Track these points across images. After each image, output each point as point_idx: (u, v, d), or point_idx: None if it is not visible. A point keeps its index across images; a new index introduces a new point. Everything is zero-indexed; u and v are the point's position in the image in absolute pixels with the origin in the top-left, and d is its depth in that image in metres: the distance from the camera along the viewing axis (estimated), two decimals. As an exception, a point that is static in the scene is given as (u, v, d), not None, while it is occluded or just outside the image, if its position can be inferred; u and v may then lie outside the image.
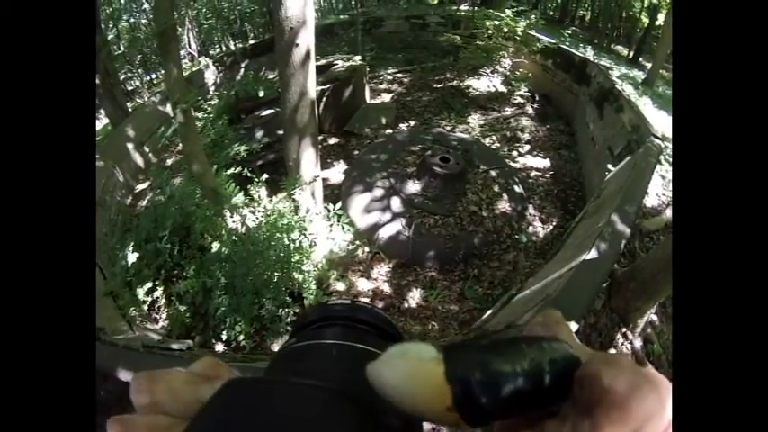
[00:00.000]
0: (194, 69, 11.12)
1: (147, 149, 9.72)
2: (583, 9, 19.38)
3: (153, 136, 9.95)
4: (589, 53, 10.73)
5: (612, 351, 3.68)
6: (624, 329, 3.87)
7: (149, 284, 5.40)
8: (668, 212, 5.28)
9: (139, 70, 18.85)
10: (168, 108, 10.73)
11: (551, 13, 19.06)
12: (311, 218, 5.62)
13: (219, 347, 4.83)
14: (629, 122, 6.49)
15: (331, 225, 5.88)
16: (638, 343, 3.89)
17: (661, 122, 7.31)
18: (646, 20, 14.98)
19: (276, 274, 4.85)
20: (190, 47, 16.15)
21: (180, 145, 9.33)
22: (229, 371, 0.36)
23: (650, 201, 5.57)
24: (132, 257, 5.30)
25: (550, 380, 0.27)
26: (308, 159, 5.58)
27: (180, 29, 17.88)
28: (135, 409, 0.31)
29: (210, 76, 12.07)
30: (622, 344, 3.82)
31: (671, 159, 6.10)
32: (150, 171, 8.71)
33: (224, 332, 4.60)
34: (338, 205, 5.95)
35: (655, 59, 11.10)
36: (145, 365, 2.94)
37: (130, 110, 11.15)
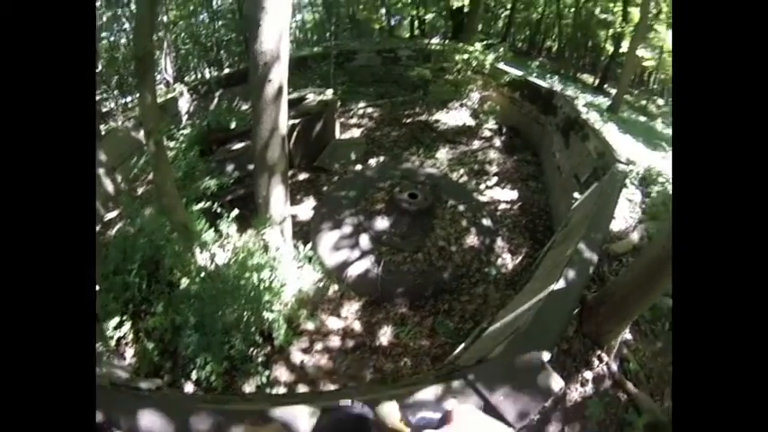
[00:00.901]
0: (169, 96, 11.06)
1: (118, 176, 9.61)
2: (550, 40, 19.98)
3: (125, 162, 9.80)
4: (556, 83, 11.03)
5: (589, 374, 3.74)
6: (599, 352, 3.91)
7: (117, 319, 5.25)
8: (635, 235, 5.39)
9: (115, 92, 18.63)
10: (141, 135, 10.64)
11: (520, 44, 19.59)
12: (281, 257, 5.59)
13: (189, 388, 4.74)
14: (594, 150, 6.67)
15: (301, 264, 5.86)
16: (614, 364, 3.93)
17: (626, 147, 7.53)
18: (610, 48, 15.51)
19: (246, 313, 4.82)
20: (166, 72, 16.06)
21: (151, 174, 9.28)
22: None
23: (617, 225, 5.67)
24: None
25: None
26: (278, 197, 5.59)
27: (158, 52, 17.84)
28: None
29: (184, 104, 12.01)
30: (598, 366, 3.86)
31: (636, 182, 6.27)
32: (121, 200, 8.59)
33: (194, 372, 4.51)
34: (308, 246, 5.95)
35: (619, 86, 11.46)
36: (113, 404, 2.84)
37: (103, 133, 11.00)
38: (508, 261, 6.58)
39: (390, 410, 1.49)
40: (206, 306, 4.70)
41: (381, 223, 6.18)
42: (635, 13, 13.19)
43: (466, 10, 13.52)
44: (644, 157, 7.37)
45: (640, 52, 11.12)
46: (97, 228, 8.23)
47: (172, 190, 5.43)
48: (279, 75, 4.94)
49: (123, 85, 19.33)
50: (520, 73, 10.47)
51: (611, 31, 15.15)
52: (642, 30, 10.72)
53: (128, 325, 5.37)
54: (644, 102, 15.47)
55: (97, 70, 15.07)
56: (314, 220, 6.65)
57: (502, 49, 11.15)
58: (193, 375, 4.53)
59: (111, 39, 17.22)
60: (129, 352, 5.44)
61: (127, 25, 16.85)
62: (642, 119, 11.57)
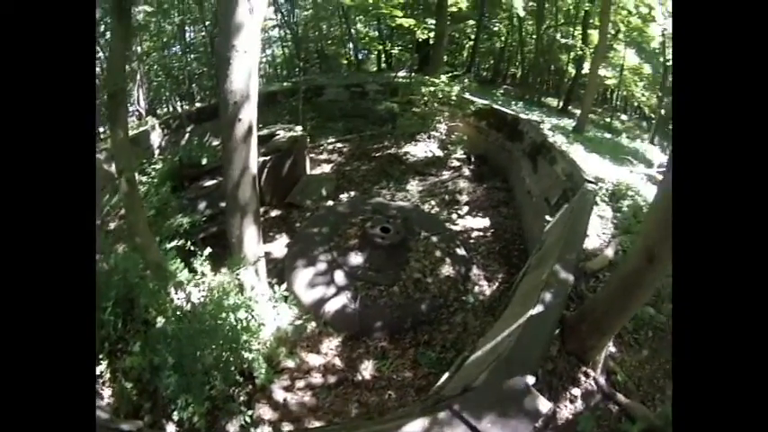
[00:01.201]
0: (141, 129, 10.92)
1: None
2: (514, 67, 20.54)
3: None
4: (521, 109, 11.30)
5: (577, 391, 3.76)
6: (585, 368, 3.94)
7: None
8: (609, 250, 5.47)
9: None
10: (113, 167, 10.43)
11: (484, 73, 20.08)
12: (256, 296, 5.56)
13: (171, 428, 4.63)
14: (562, 172, 6.83)
15: (276, 303, 5.82)
16: (601, 378, 3.96)
17: (594, 165, 7.74)
18: (572, 70, 16.02)
19: (225, 353, 4.78)
20: (139, 104, 15.94)
21: (123, 209, 9.12)
22: None
23: (591, 242, 5.77)
24: None
25: None
26: (251, 236, 5.57)
27: (130, 84, 17.68)
28: None
29: (156, 138, 11.86)
30: (585, 382, 3.88)
31: (606, 198, 6.41)
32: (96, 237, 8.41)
33: (175, 412, 4.40)
34: (283, 286, 5.88)
35: (583, 106, 11.77)
36: None
37: None
38: (485, 288, 6.64)
39: None
40: (184, 346, 4.62)
41: (355, 259, 6.21)
42: (594, 35, 13.70)
43: (431, 42, 13.88)
44: (612, 173, 7.62)
45: (602, 72, 11.51)
46: None
47: (144, 229, 5.39)
48: (248, 114, 4.98)
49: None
50: (485, 102, 10.72)
51: (572, 54, 15.66)
52: (602, 50, 11.12)
53: (104, 364, 5.17)
54: (608, 119, 15.94)
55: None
56: (288, 258, 6.64)
57: (467, 80, 11.46)
58: (175, 416, 4.41)
59: None
60: (107, 392, 5.18)
61: (101, 54, 16.86)
62: (608, 135, 11.93)
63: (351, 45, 19.11)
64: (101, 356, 5.13)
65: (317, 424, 4.76)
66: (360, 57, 19.20)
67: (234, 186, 5.26)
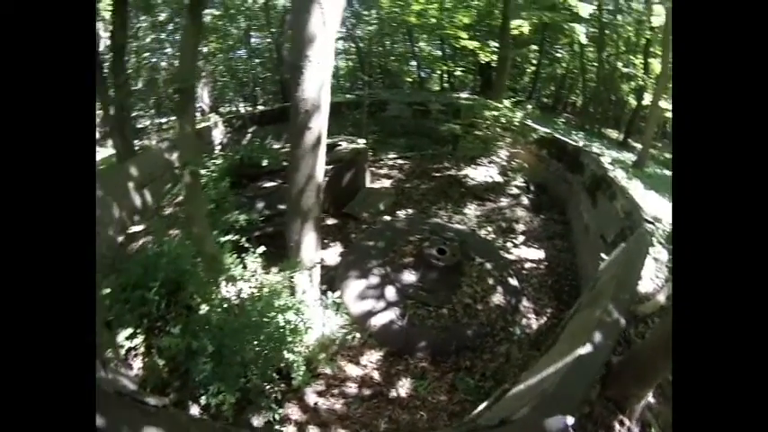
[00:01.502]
0: (203, 125, 11.34)
1: (147, 193, 9.82)
2: (574, 95, 20.16)
3: (154, 181, 9.95)
4: (581, 140, 11.08)
5: None
6: (621, 417, 3.82)
7: (130, 330, 5.32)
8: (661, 295, 5.28)
9: (152, 111, 19.29)
10: (174, 156, 10.90)
11: (545, 100, 19.83)
12: (307, 300, 5.63)
13: (195, 410, 4.73)
14: (621, 209, 6.63)
15: (327, 308, 5.88)
16: (636, 429, 3.83)
17: (652, 204, 7.50)
18: (633, 101, 15.59)
19: (267, 350, 4.84)
20: (203, 100, 16.59)
21: (180, 198, 9.43)
22: None
23: (644, 285, 5.54)
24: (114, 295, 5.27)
25: None
26: (309, 243, 5.64)
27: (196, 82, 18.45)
28: None
29: (218, 134, 12.32)
30: (619, 431, 3.76)
31: (663, 241, 6.19)
32: (148, 217, 8.74)
33: (204, 397, 4.51)
34: (336, 293, 5.93)
35: (643, 140, 11.44)
36: (116, 413, 2.81)
37: (138, 148, 11.31)
38: (533, 321, 6.50)
39: None
40: (226, 337, 4.74)
41: (408, 276, 6.20)
42: (656, 64, 13.31)
43: (493, 65, 13.83)
44: (669, 214, 7.32)
45: (663, 104, 11.15)
46: (120, 239, 8.36)
47: (203, 220, 5.56)
48: (318, 124, 5.07)
49: (160, 106, 20.10)
50: (547, 130, 10.57)
51: (633, 84, 15.26)
52: (664, 81, 10.72)
53: (140, 338, 5.41)
54: (669, 154, 15.42)
55: (135, 88, 15.71)
56: (341, 267, 6.69)
57: (530, 107, 11.31)
58: (202, 400, 4.52)
59: (153, 60, 18.19)
60: (137, 363, 5.45)
61: (169, 50, 17.75)
62: (667, 173, 11.51)
63: (414, 63, 19.27)
64: (138, 330, 5.37)
65: None
66: (422, 75, 19.34)
67: (298, 192, 5.34)
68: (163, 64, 18.48)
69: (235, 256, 5.85)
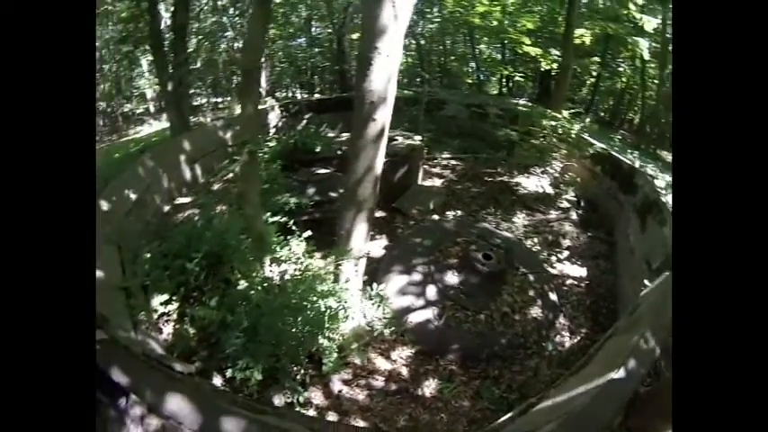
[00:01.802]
0: (260, 108, 11.62)
1: (197, 167, 10.17)
2: (632, 112, 19.55)
3: (206, 156, 10.45)
4: (636, 160, 10.79)
5: None
6: None
7: (165, 296, 5.55)
8: None
9: (208, 90, 19.79)
10: (228, 135, 11.27)
11: (602, 114, 19.35)
12: (350, 289, 5.74)
13: (218, 381, 4.89)
14: (670, 237, 6.50)
15: (369, 300, 6.00)
16: None
17: None
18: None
19: (302, 334, 4.95)
20: (260, 85, 17.00)
21: (230, 174, 9.77)
22: None
23: None
24: (154, 261, 5.55)
25: None
26: (360, 233, 5.73)
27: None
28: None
29: (273, 118, 12.63)
30: None
31: None
32: (198, 191, 9.04)
33: (230, 370, 4.64)
34: (382, 285, 6.06)
35: None
36: (142, 376, 2.94)
37: (192, 125, 11.67)
38: (566, 339, 6.46)
39: None
40: (263, 315, 4.86)
41: (451, 278, 6.24)
42: None
43: (552, 73, 13.58)
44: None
45: None
46: (166, 208, 8.82)
47: (256, 200, 5.70)
48: (383, 116, 5.12)
49: (217, 86, 20.60)
50: (603, 146, 10.33)
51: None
52: None
53: (174, 305, 5.67)
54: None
55: (194, 67, 16.18)
56: (385, 260, 6.79)
57: (588, 120, 11.08)
58: (228, 373, 4.65)
59: (212, 42, 18.71)
60: (168, 329, 5.69)
61: (229, 33, 18.20)
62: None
63: (473, 64, 19.11)
64: (174, 298, 5.62)
65: (362, 423, 4.85)
66: (481, 77, 19.18)
67: (355, 182, 5.43)
68: (222, 46, 19.06)
69: (281, 237, 5.99)
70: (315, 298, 5.06)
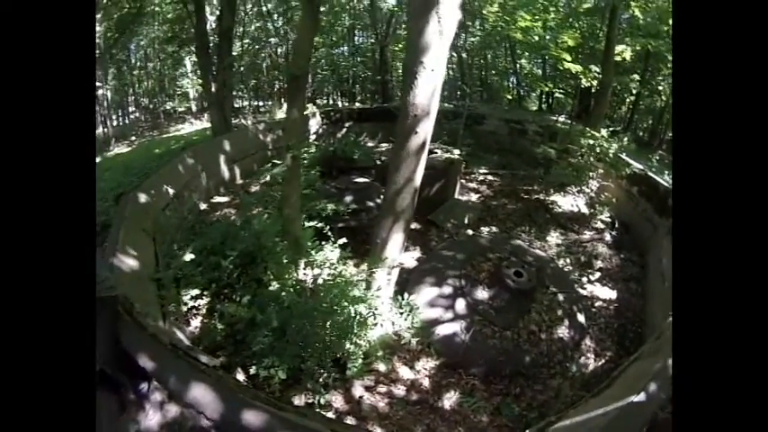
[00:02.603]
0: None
1: (236, 168, 10.47)
2: (671, 132, 18.97)
3: (246, 158, 10.76)
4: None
5: None
6: None
7: (197, 291, 5.71)
8: None
9: (250, 93, 20.12)
10: (269, 138, 11.54)
11: (641, 133, 18.93)
12: (381, 297, 5.86)
13: (240, 377, 5.00)
14: None
15: (399, 308, 6.06)
16: None
17: None
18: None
19: (330, 338, 5.06)
20: (305, 91, 17.11)
21: (267, 177, 9.95)
22: None
23: None
24: (188, 257, 5.65)
25: None
26: (396, 243, 5.88)
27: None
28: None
29: (314, 124, 12.81)
30: None
31: None
32: (237, 194, 9.28)
33: (253, 367, 4.71)
34: (414, 296, 6.14)
35: None
36: (167, 363, 3.00)
37: (233, 126, 11.92)
38: (590, 361, 6.44)
39: None
40: (294, 317, 4.99)
41: (481, 293, 6.33)
42: None
43: (593, 90, 13.41)
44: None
45: None
46: (203, 206, 9.03)
47: (296, 203, 5.89)
48: (425, 129, 5.27)
49: (259, 90, 20.91)
50: (640, 167, 10.18)
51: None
52: None
53: (205, 299, 5.82)
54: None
55: (237, 71, 16.44)
56: (417, 271, 6.91)
57: (626, 139, 10.91)
58: (252, 370, 4.74)
59: (257, 47, 19.29)
60: (195, 322, 5.84)
61: (273, 39, 18.66)
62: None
63: (514, 79, 18.99)
64: (205, 292, 5.76)
65: (379, 431, 4.90)
66: (521, 92, 19.07)
67: (395, 192, 5.58)
68: (266, 51, 19.49)
69: (317, 241, 6.12)
70: (346, 303, 5.17)
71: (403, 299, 5.99)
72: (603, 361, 6.47)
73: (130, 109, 21.00)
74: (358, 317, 5.17)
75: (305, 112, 12.57)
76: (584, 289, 7.91)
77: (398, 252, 5.97)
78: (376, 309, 5.51)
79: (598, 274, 8.37)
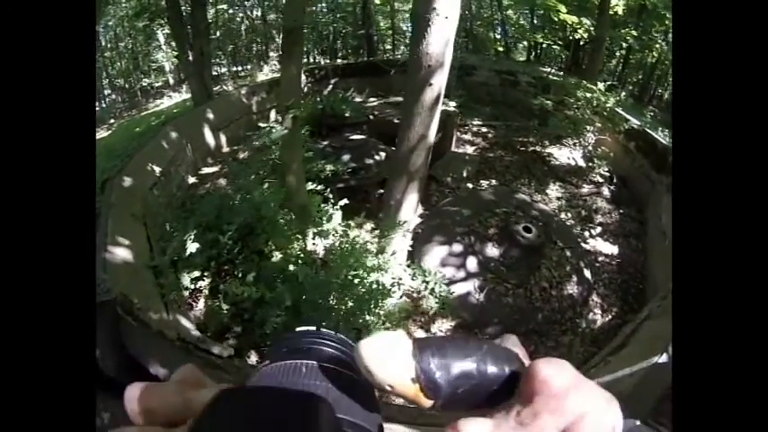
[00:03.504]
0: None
1: (222, 136, 10.11)
2: (662, 88, 19.00)
3: (231, 125, 10.40)
4: (668, 138, 10.54)
5: None
6: None
7: (196, 273, 5.41)
8: None
9: (228, 59, 19.67)
10: (253, 101, 11.09)
11: (631, 88, 18.80)
12: (397, 262, 5.61)
13: (254, 358, 4.85)
14: None
15: (413, 271, 5.83)
16: None
17: None
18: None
19: (348, 311, 4.77)
20: (302, 45, 16.70)
21: (255, 143, 9.56)
22: (209, 380, 0.39)
23: None
24: (193, 247, 5.29)
25: (493, 372, 0.33)
26: (410, 204, 5.59)
27: (274, 31, 18.66)
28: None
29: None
30: None
31: None
32: (228, 164, 8.90)
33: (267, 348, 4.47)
34: (425, 258, 5.90)
35: None
36: (177, 363, 2.75)
37: (215, 94, 11.51)
38: (598, 317, 6.38)
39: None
40: (308, 292, 4.65)
41: (491, 250, 6.08)
42: None
43: (581, 43, 13.14)
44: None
45: None
46: (192, 180, 8.71)
47: (299, 169, 5.47)
48: (440, 81, 4.88)
49: (236, 54, 20.40)
50: (638, 122, 10.02)
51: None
52: None
53: (206, 280, 5.55)
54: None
55: (213, 36, 15.97)
56: (425, 230, 6.59)
57: (624, 94, 10.77)
58: (265, 350, 4.57)
59: (230, 11, 18.67)
60: (199, 305, 5.62)
61: (249, 2, 17.90)
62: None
63: (500, 30, 18.47)
64: (205, 273, 5.49)
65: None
66: (508, 43, 18.57)
67: (408, 151, 5.20)
68: (240, 15, 18.95)
69: (324, 207, 5.76)
70: (364, 273, 4.84)
71: (416, 260, 5.76)
72: (610, 317, 6.43)
73: (106, 92, 20.33)
74: (379, 287, 4.80)
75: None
76: (587, 244, 7.77)
77: (413, 214, 5.71)
78: (400, 279, 5.24)
79: (599, 229, 8.25)
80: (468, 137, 10.98)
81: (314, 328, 0.46)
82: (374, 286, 4.71)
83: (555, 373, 0.30)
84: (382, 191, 7.40)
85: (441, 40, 4.61)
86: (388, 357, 0.33)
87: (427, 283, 5.56)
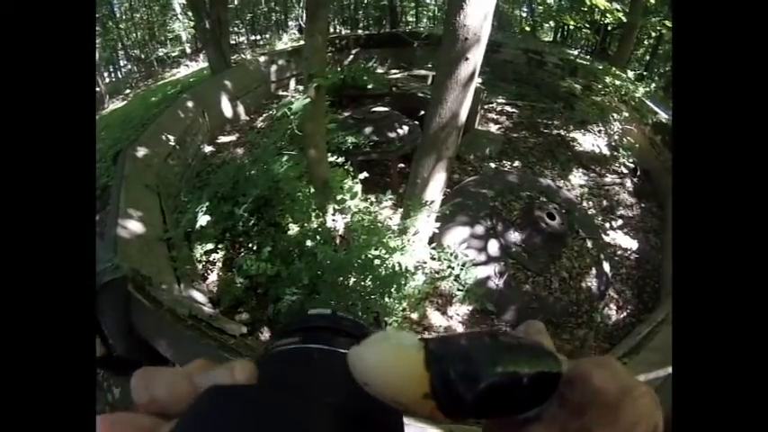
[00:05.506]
0: (303, 43, 11.29)
1: (240, 105, 9.95)
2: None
3: (249, 93, 10.29)
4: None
5: None
6: None
7: (210, 245, 5.29)
8: None
9: (247, 27, 19.44)
10: (272, 70, 10.85)
11: (658, 79, 18.39)
12: (420, 242, 5.44)
13: (267, 335, 4.71)
14: None
15: (437, 253, 5.64)
16: None
17: None
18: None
19: (368, 292, 4.51)
20: (301, 20, 16.50)
21: (272, 111, 9.39)
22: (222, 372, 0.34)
23: None
24: (204, 219, 5.16)
25: (529, 379, 0.27)
26: (437, 183, 5.34)
27: (294, 1, 18.31)
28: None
29: (317, 53, 12.15)
30: None
31: None
32: (246, 132, 8.70)
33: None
34: (447, 238, 5.69)
35: None
36: (189, 349, 2.69)
37: (233, 62, 11.37)
38: (613, 313, 6.22)
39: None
40: (327, 271, 4.43)
41: (513, 235, 5.85)
42: None
43: (609, 28, 12.76)
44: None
45: None
46: (208, 149, 8.62)
47: (321, 143, 5.18)
48: (476, 56, 4.50)
49: (255, 23, 20.15)
50: (667, 117, 9.68)
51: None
52: None
53: (221, 253, 5.43)
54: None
55: (231, 5, 15.73)
56: (447, 208, 6.36)
57: (653, 85, 10.41)
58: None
59: None
60: (212, 277, 5.48)
61: None
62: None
63: (526, 8, 17.97)
64: (219, 246, 5.38)
65: None
66: (534, 22, 18.11)
67: (439, 127, 4.89)
68: None
69: (347, 183, 5.49)
70: (386, 254, 4.58)
71: (438, 241, 5.55)
72: (625, 314, 6.28)
73: (122, 63, 20.24)
74: (402, 269, 4.52)
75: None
76: (607, 236, 7.56)
77: (440, 193, 5.47)
78: (424, 262, 5.07)
79: (620, 221, 8.03)
80: (492, 115, 10.70)
81: (329, 311, 0.43)
82: (396, 268, 4.44)
83: (609, 378, 0.27)
84: (403, 165, 7.15)
85: (479, 11, 4.22)
86: (392, 367, 0.26)
87: (452, 268, 5.34)
